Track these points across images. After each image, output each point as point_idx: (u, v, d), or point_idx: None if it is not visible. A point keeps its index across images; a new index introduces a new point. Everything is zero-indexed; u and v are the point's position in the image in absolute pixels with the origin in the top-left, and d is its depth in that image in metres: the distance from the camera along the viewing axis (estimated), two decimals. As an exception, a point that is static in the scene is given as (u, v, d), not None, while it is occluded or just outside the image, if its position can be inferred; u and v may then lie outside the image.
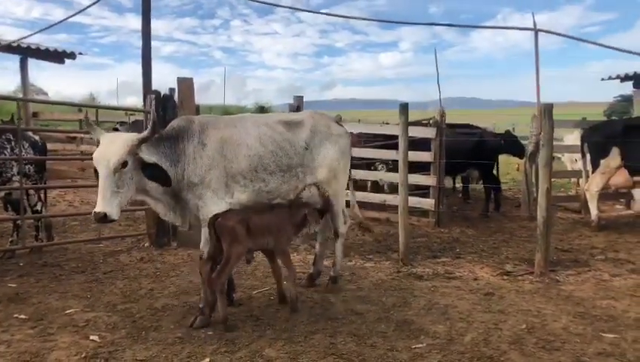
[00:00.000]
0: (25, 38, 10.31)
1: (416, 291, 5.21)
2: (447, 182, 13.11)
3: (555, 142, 13.14)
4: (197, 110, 7.96)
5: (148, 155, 4.11)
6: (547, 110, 5.62)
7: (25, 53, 12.36)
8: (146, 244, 7.01)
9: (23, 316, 4.42)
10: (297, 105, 9.33)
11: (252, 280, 5.61)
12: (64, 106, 13.35)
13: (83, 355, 3.71)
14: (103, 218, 3.88)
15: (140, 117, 8.66)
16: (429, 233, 8.04)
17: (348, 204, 5.67)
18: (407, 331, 4.20)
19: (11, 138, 5.97)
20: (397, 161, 8.69)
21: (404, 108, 6.16)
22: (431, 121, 8.74)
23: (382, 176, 9.38)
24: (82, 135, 12.73)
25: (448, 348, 3.89)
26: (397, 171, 8.83)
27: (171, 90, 7.07)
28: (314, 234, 5.66)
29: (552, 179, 12.81)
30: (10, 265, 5.95)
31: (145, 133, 4.10)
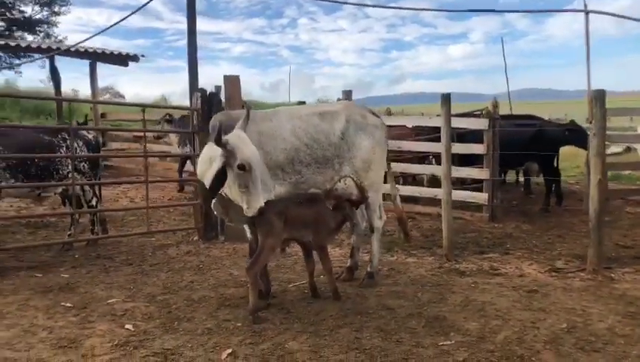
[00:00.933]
0: (84, 41, 10.85)
1: (454, 287, 5.05)
2: (511, 175, 12.69)
3: (628, 133, 12.33)
4: (243, 107, 8.11)
5: None
6: (599, 97, 5.26)
7: (92, 57, 13.02)
8: (195, 238, 7.21)
9: (68, 304, 4.65)
10: (346, 99, 9.29)
11: (290, 273, 5.64)
12: (130, 107, 13.96)
13: (115, 342, 3.86)
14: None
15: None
16: (481, 228, 7.77)
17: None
18: (437, 327, 4.07)
19: (66, 137, 6.30)
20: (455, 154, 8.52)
21: (445, 98, 5.97)
22: (483, 112, 8.43)
23: (433, 169, 9.14)
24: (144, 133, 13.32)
25: (477, 345, 3.74)
26: (455, 165, 8.69)
27: (217, 87, 7.22)
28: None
29: (628, 172, 12.11)
30: (67, 256, 6.29)
31: (243, 124, 4.29)
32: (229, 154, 4.10)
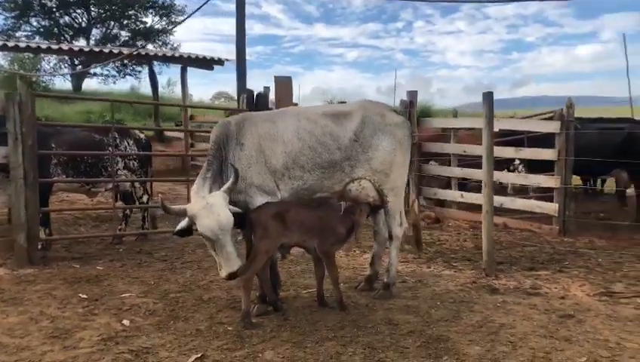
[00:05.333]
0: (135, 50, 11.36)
1: (477, 306, 4.56)
2: (610, 185, 11.42)
3: None
4: (295, 108, 8.04)
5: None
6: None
7: (182, 62, 13.69)
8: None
9: (84, 296, 4.84)
10: (410, 101, 8.89)
11: (312, 279, 5.39)
12: (214, 110, 14.43)
13: (104, 336, 3.91)
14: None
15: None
16: (545, 242, 7.02)
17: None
18: (432, 349, 3.67)
19: (116, 136, 6.61)
20: (535, 160, 7.81)
21: (487, 96, 5.43)
22: (555, 114, 7.63)
23: (499, 176, 8.41)
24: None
25: (466, 374, 3.31)
26: (536, 171, 7.96)
27: (266, 88, 7.22)
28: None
29: None
30: (112, 250, 6.60)
31: (229, 185, 4.13)
32: (189, 219, 4.06)
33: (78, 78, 29.88)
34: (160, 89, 25.48)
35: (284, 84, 7.49)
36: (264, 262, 4.33)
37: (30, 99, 5.65)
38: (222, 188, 4.17)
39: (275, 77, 7.46)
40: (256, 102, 7.01)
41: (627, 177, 8.42)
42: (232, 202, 4.24)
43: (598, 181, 11.49)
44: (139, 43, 31.87)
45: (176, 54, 13.13)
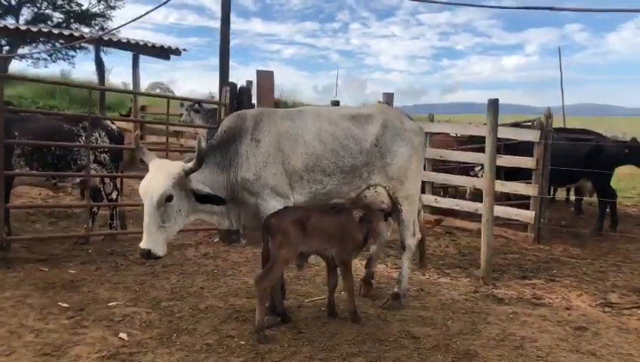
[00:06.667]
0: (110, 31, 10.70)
1: (490, 317, 4.47)
2: (561, 193, 11.88)
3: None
4: (276, 105, 7.74)
5: (197, 185, 3.82)
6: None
7: (136, 49, 12.95)
8: (215, 240, 6.84)
9: (66, 304, 4.33)
10: (387, 103, 8.78)
11: (309, 286, 5.18)
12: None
13: (103, 354, 3.50)
14: (147, 255, 3.64)
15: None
16: (524, 249, 7.09)
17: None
18: (466, 366, 3.53)
19: (87, 126, 6.03)
20: (502, 166, 7.90)
21: (493, 104, 5.37)
22: (535, 123, 7.75)
23: (475, 182, 8.48)
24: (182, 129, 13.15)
25: (512, 393, 3.18)
26: (506, 178, 8.05)
27: (248, 82, 6.85)
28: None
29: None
30: (80, 251, 6.01)
31: (190, 164, 3.74)
32: None
33: (4, 61, 27.73)
34: (94, 76, 24.04)
35: (266, 78, 7.17)
36: (282, 271, 4.04)
37: (-3, 81, 5.02)
38: (184, 166, 3.75)
39: (257, 71, 7.13)
40: (240, 97, 6.63)
41: (591, 187, 8.71)
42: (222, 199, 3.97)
43: (550, 189, 11.89)
44: (73, 26, 30.09)
45: (132, 41, 12.35)
